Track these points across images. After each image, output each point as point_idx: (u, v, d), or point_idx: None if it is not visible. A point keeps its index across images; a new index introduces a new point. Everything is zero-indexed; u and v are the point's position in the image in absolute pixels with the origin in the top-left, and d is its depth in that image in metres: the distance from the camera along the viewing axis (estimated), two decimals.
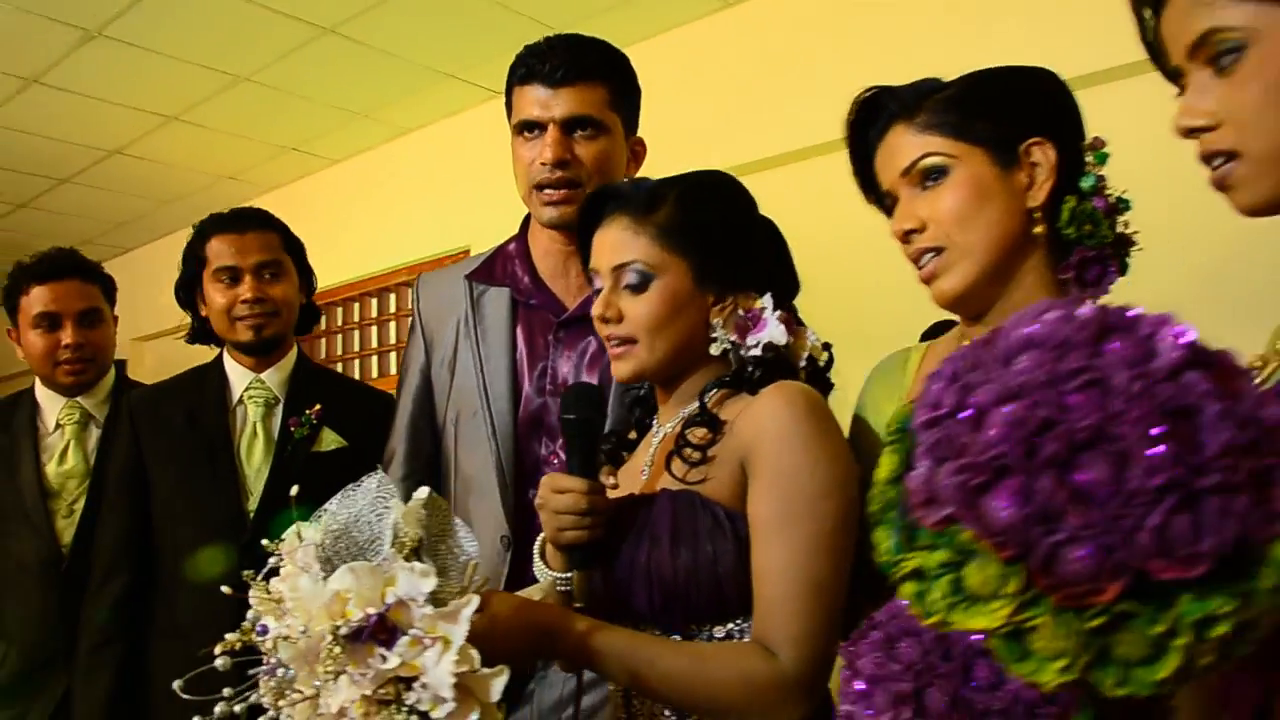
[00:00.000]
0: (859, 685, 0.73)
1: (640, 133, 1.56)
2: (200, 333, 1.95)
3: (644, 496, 1.11)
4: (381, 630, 0.81)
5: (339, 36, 3.29)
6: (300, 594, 0.84)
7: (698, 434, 1.09)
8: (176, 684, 0.87)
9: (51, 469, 2.05)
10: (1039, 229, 1.01)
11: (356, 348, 4.85)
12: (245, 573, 0.94)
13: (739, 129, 3.29)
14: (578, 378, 1.46)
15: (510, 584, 1.39)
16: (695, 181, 1.16)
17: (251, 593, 0.91)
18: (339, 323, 4.97)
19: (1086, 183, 1.00)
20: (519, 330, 1.49)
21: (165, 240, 5.53)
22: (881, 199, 1.11)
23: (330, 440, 1.81)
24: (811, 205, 2.21)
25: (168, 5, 3.00)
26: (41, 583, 1.98)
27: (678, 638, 1.05)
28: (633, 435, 1.27)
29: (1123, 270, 1.06)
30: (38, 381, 2.16)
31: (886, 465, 0.64)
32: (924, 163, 1.03)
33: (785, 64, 3.20)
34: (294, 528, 0.93)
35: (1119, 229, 1.04)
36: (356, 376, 4.69)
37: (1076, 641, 0.53)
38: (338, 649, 0.80)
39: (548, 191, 1.41)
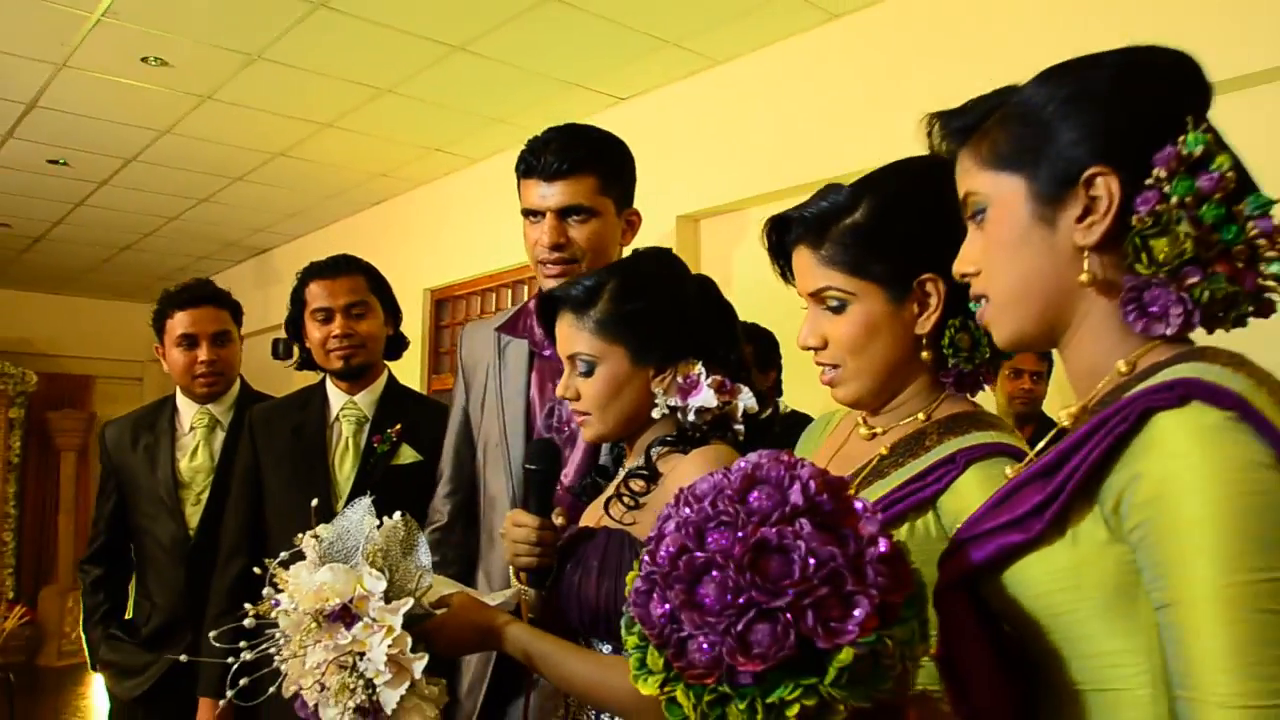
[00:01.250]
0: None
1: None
2: (306, 362, 2.24)
3: (588, 531, 1.32)
4: (346, 615, 1.10)
5: (468, 53, 3.52)
6: (300, 582, 1.14)
7: (637, 484, 1.28)
8: (212, 634, 1.21)
9: (184, 464, 2.43)
10: (925, 355, 1.11)
11: None
12: (267, 559, 1.25)
13: (844, 139, 3.33)
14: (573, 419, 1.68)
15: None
16: (628, 273, 1.33)
17: (272, 574, 1.22)
18: (478, 311, 5.29)
19: (975, 306, 1.01)
20: (533, 376, 1.74)
21: (328, 229, 6.01)
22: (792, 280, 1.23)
23: (408, 455, 2.09)
24: None
25: (318, 30, 3.32)
26: (174, 558, 2.39)
27: (607, 647, 1.25)
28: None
29: (993, 378, 1.15)
30: (178, 390, 2.56)
31: (636, 566, 0.81)
32: (827, 294, 1.13)
33: (888, 75, 3.21)
34: (313, 530, 1.24)
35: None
36: None
37: (701, 710, 0.71)
38: (314, 625, 1.10)
39: (549, 268, 1.62)
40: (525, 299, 4.86)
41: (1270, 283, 0.80)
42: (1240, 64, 2.36)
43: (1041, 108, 0.85)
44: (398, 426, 2.10)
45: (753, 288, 1.83)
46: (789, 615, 0.68)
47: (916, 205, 1.11)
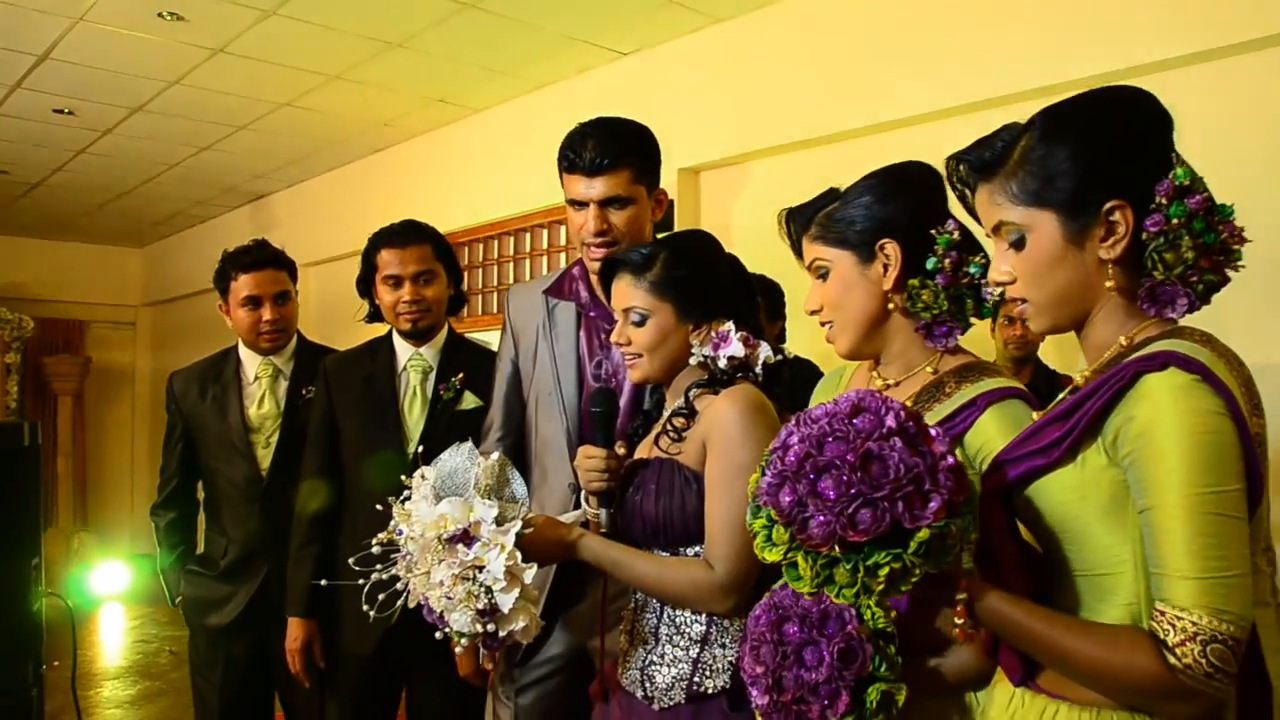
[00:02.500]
0: (745, 676, 1.17)
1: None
2: (374, 315, 2.47)
3: (645, 461, 1.62)
4: (465, 538, 1.36)
5: (478, 9, 3.63)
6: (419, 514, 1.40)
7: (678, 420, 1.58)
8: (351, 560, 1.46)
9: (252, 411, 2.65)
10: (892, 305, 1.38)
11: (495, 282, 5.31)
12: (390, 498, 1.49)
13: (840, 96, 3.48)
14: (621, 369, 1.94)
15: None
16: (677, 245, 1.63)
17: (394, 509, 1.47)
18: (479, 258, 5.44)
19: (930, 264, 1.32)
20: (582, 334, 1.98)
21: (326, 175, 6.10)
22: None
23: (470, 400, 2.32)
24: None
25: None
26: (247, 496, 2.61)
27: (665, 553, 1.56)
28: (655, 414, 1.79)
29: (965, 328, 1.38)
30: (239, 342, 2.75)
31: (755, 474, 1.07)
32: (815, 264, 1.43)
33: (884, 33, 3.36)
34: (419, 471, 1.49)
35: (981, 289, 1.35)
36: (494, 309, 5.17)
37: (814, 571, 0.98)
38: (440, 546, 1.35)
39: (593, 250, 1.86)
40: (527, 247, 5.06)
41: (1235, 265, 1.11)
42: (1180, 44, 2.54)
43: (1059, 155, 1.10)
44: (460, 375, 2.33)
45: (751, 239, 2.04)
46: (885, 504, 0.95)
47: (885, 182, 1.40)
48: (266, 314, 2.63)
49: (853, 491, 0.95)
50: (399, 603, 1.42)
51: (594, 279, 1.97)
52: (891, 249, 1.35)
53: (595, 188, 1.81)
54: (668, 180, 4.31)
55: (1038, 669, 1.12)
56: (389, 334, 2.45)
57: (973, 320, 1.38)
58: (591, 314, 1.96)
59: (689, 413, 1.57)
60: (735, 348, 1.54)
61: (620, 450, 1.66)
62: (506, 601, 1.34)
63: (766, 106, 3.70)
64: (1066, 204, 1.09)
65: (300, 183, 6.36)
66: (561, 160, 1.87)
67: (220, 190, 6.57)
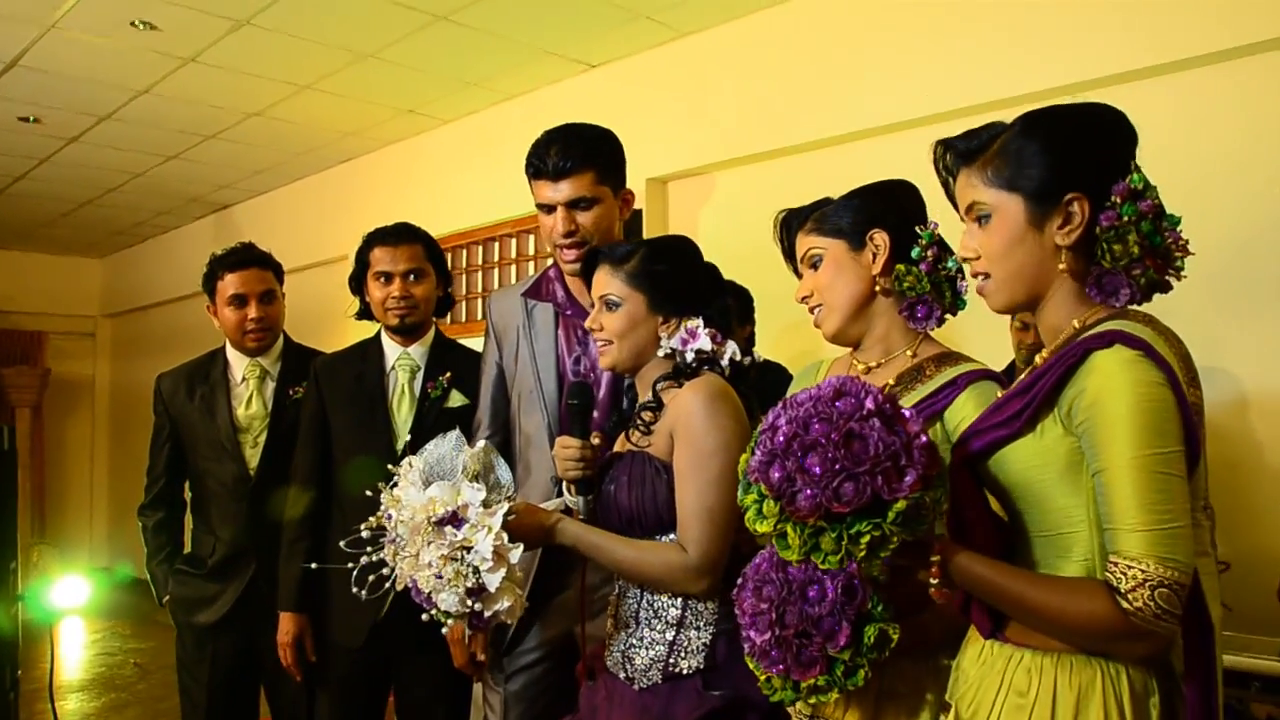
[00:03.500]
0: (745, 618, 1.25)
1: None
2: (364, 312, 2.54)
3: (619, 454, 1.71)
4: (454, 520, 1.44)
5: (450, 22, 3.71)
6: (410, 498, 1.47)
7: (647, 415, 1.67)
8: (342, 543, 1.53)
9: (240, 411, 2.70)
10: (879, 288, 1.51)
11: (463, 291, 5.35)
12: (379, 484, 1.57)
13: (804, 109, 3.59)
14: (597, 368, 2.03)
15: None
16: (658, 244, 1.74)
17: (382, 495, 1.55)
18: (448, 268, 5.49)
19: (914, 253, 1.47)
20: (560, 332, 2.07)
21: (293, 186, 6.11)
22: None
23: (457, 398, 2.40)
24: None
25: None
26: (235, 496, 2.66)
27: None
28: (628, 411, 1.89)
29: (950, 311, 1.52)
30: (227, 344, 2.80)
31: (747, 452, 1.18)
32: (809, 253, 1.56)
33: (847, 49, 3.48)
34: (407, 459, 1.57)
35: (956, 280, 1.50)
36: (462, 318, 5.22)
37: (802, 540, 1.08)
38: (429, 528, 1.42)
39: (565, 251, 1.97)
40: (496, 257, 5.11)
41: (1176, 272, 1.25)
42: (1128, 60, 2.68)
43: (1032, 149, 1.23)
44: (448, 374, 2.40)
45: (718, 247, 2.13)
46: (866, 478, 1.06)
47: (878, 185, 1.57)
48: (252, 312, 2.68)
49: (837, 467, 1.05)
50: (387, 585, 1.50)
51: (570, 280, 2.06)
52: (880, 237, 1.50)
53: (561, 191, 1.91)
54: (636, 190, 4.44)
55: (1005, 622, 1.23)
56: (378, 335, 2.53)
57: (947, 316, 1.50)
58: (568, 313, 2.06)
59: (656, 405, 1.66)
60: (703, 342, 1.64)
61: (596, 441, 1.75)
62: (493, 580, 1.41)
63: (732, 118, 3.81)
64: (1033, 191, 1.21)
65: (266, 193, 6.36)
66: (528, 168, 1.97)
67: (185, 200, 6.56)
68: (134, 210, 6.80)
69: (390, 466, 1.58)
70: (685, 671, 1.57)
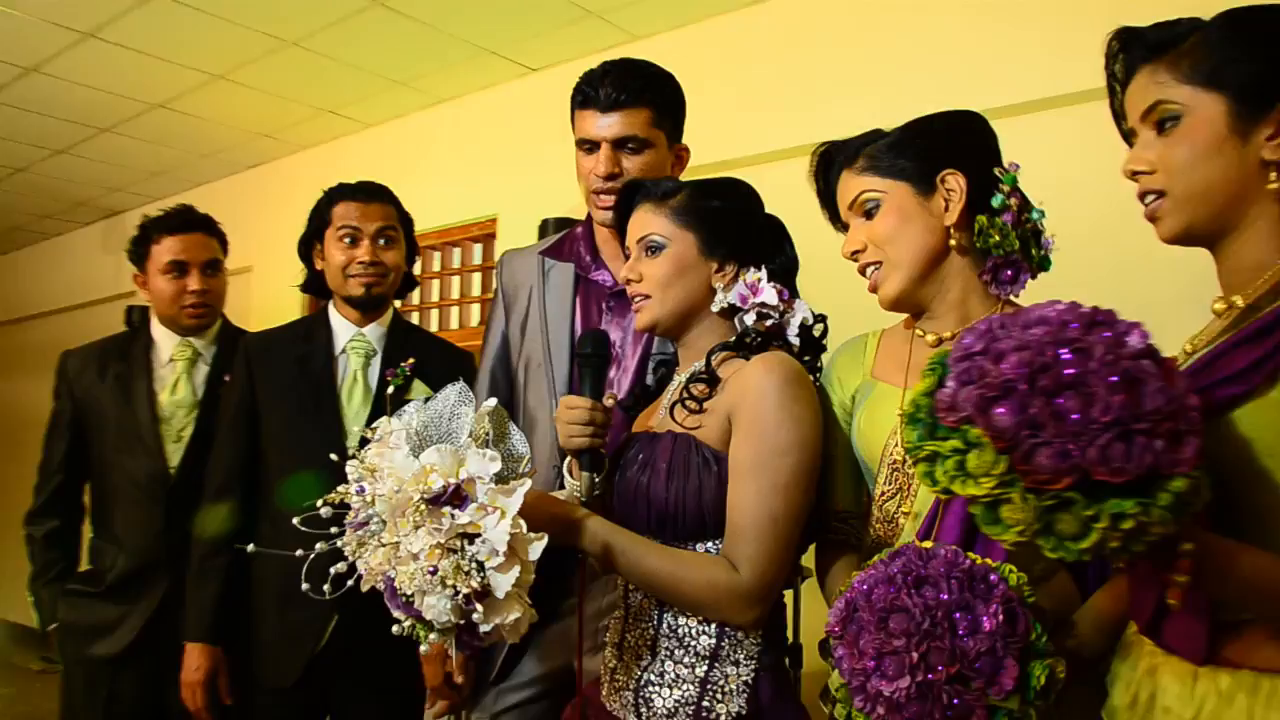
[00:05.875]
0: (861, 661, 0.95)
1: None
2: (312, 285, 2.15)
3: (653, 435, 1.38)
4: (456, 497, 1.07)
5: (387, 9, 3.45)
6: (395, 465, 1.10)
7: (698, 388, 1.34)
8: (296, 520, 1.15)
9: (164, 398, 2.29)
10: (954, 242, 1.26)
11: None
12: (349, 445, 1.24)
13: (755, 120, 3.46)
14: (620, 343, 1.73)
15: None
16: (710, 179, 1.44)
17: (350, 464, 1.18)
18: None
19: (996, 201, 1.24)
20: (578, 299, 1.77)
21: (195, 191, 5.68)
22: (844, 228, 1.38)
23: (420, 390, 2.02)
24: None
25: None
26: (149, 496, 2.24)
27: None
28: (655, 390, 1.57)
29: (1036, 272, 1.29)
30: (154, 319, 2.38)
31: (923, 384, 0.90)
32: (862, 198, 1.29)
33: (802, 60, 3.37)
34: (382, 419, 1.21)
35: (1040, 235, 1.28)
36: None
37: (1032, 515, 0.80)
38: (422, 507, 1.05)
39: (602, 197, 1.68)
40: (418, 270, 4.80)
41: None
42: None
43: (1244, 40, 1.01)
44: (410, 361, 2.05)
45: None
46: (1143, 439, 0.79)
47: (939, 116, 1.32)
48: (193, 283, 2.30)
49: (1107, 419, 0.78)
50: (350, 584, 1.15)
51: (601, 241, 1.77)
52: (954, 180, 1.25)
53: (609, 125, 1.64)
54: (576, 200, 4.21)
55: (1224, 640, 0.97)
56: (324, 311, 2.16)
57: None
58: (592, 275, 1.76)
59: (710, 379, 1.34)
60: (768, 294, 1.34)
61: (609, 403, 1.43)
62: (503, 583, 1.05)
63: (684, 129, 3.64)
64: (1242, 88, 0.99)
65: (163, 198, 5.89)
66: (576, 96, 1.70)
67: (70, 203, 6.03)
68: (10, 212, 6.22)
69: (367, 431, 1.21)
70: (722, 717, 1.26)
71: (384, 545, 1.09)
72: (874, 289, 1.31)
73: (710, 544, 1.30)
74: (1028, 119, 2.81)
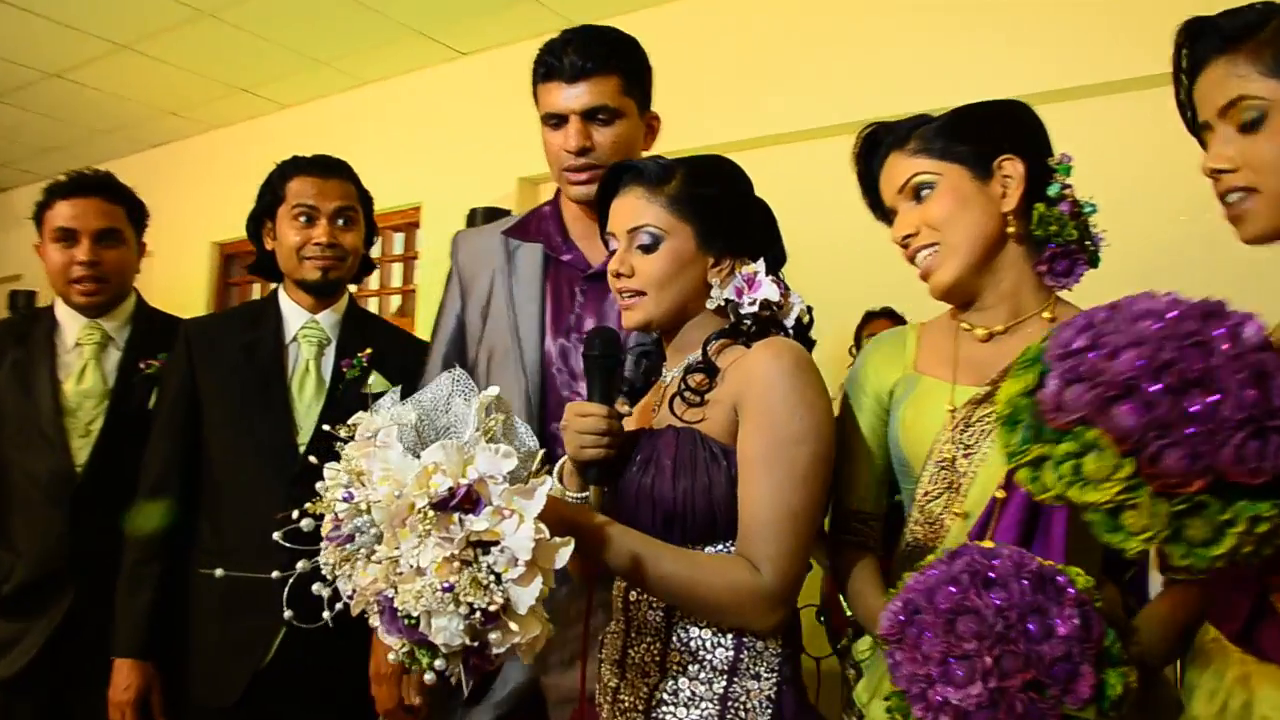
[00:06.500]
0: (925, 667, 0.88)
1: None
2: (261, 266, 1.98)
3: (652, 431, 1.26)
4: (466, 501, 0.92)
5: None
6: (392, 466, 0.94)
7: (696, 379, 1.24)
8: (277, 535, 0.99)
9: (70, 387, 2.03)
10: (1012, 229, 1.20)
11: None
12: (300, 442, 1.01)
13: (683, 112, 3.41)
14: (613, 311, 1.62)
15: None
16: (702, 161, 1.32)
17: (327, 468, 1.00)
18: None
19: (1053, 190, 1.19)
20: (548, 282, 1.65)
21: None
22: (886, 214, 1.31)
23: (379, 383, 1.85)
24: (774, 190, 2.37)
25: None
26: (51, 498, 1.97)
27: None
28: (638, 383, 1.44)
29: (1093, 263, 1.24)
30: (58, 299, 2.12)
31: (1019, 383, 0.84)
32: (915, 180, 1.22)
33: (726, 53, 3.35)
34: (361, 414, 1.03)
35: (1091, 229, 1.23)
36: None
37: (1161, 520, 0.75)
38: (430, 513, 0.90)
39: (574, 174, 1.57)
40: None
41: None
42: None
43: None
44: (368, 351, 1.88)
45: None
46: (1277, 438, 0.74)
47: (991, 103, 1.25)
48: (81, 254, 2.02)
49: (1240, 416, 0.73)
50: (339, 607, 0.99)
51: (570, 219, 1.66)
52: (1012, 166, 1.19)
53: (577, 96, 1.53)
54: (507, 189, 4.11)
55: None
56: (274, 295, 1.97)
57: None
58: (564, 257, 1.64)
59: (709, 369, 1.24)
60: (767, 290, 1.25)
61: (624, 409, 1.31)
62: (526, 597, 0.91)
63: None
64: None
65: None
66: (538, 68, 1.57)
67: None
68: None
69: (331, 429, 1.03)
70: None
71: (377, 561, 0.93)
72: (926, 275, 1.24)
73: (720, 546, 1.20)
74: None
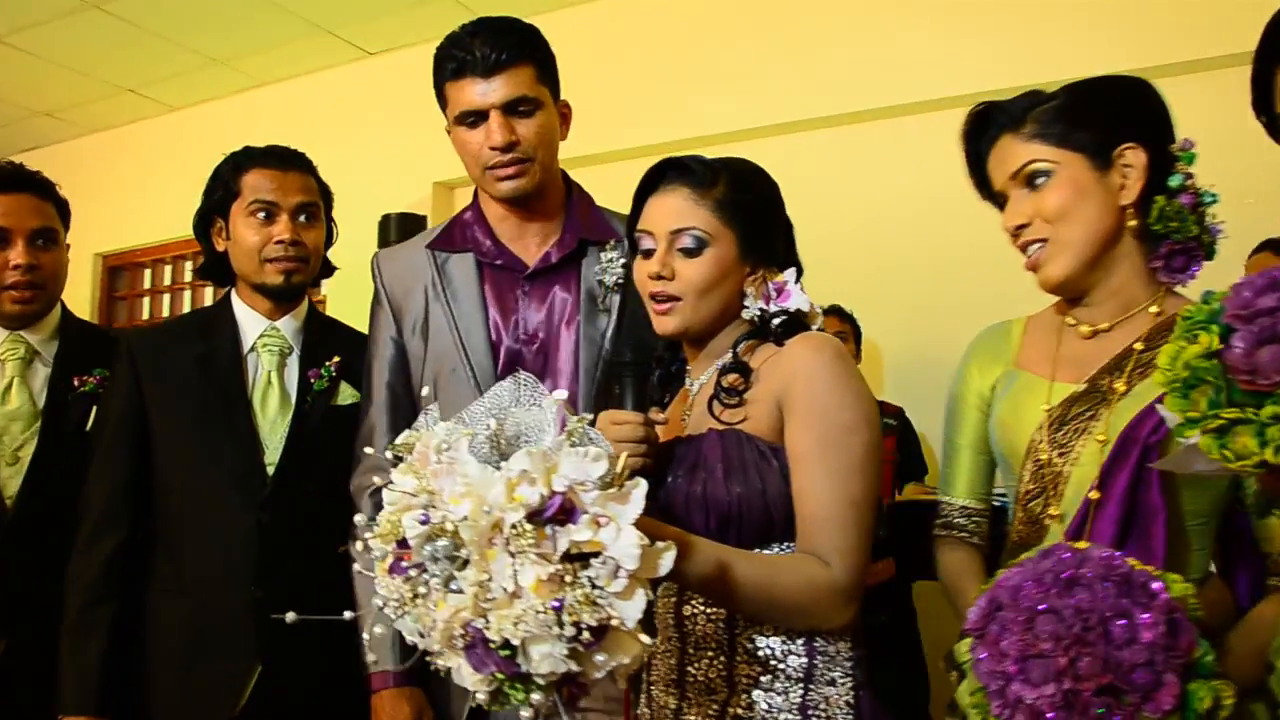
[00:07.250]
0: (1003, 663, 0.85)
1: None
2: (212, 269, 1.80)
3: (691, 437, 1.22)
4: (560, 511, 0.84)
5: None
6: (472, 480, 0.85)
7: (730, 379, 1.21)
8: (290, 616, 0.88)
9: None
10: (1131, 223, 1.16)
11: (166, 312, 4.57)
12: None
13: (610, 115, 3.36)
14: (547, 328, 1.57)
15: None
16: (742, 165, 1.29)
17: (388, 485, 0.90)
18: (164, 281, 4.66)
19: (1174, 181, 1.14)
20: (487, 289, 1.58)
21: None
22: (994, 197, 1.26)
23: (348, 394, 1.72)
24: None
25: None
26: None
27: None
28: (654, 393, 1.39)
29: (1209, 256, 1.21)
30: None
31: (1195, 347, 0.80)
32: (1030, 167, 1.17)
33: (664, 53, 3.32)
34: (409, 430, 0.94)
35: (1207, 220, 1.20)
36: None
37: None
38: (523, 529, 0.82)
39: (500, 170, 1.50)
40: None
41: None
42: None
43: None
44: (336, 359, 1.72)
45: None
46: None
47: (1111, 83, 1.22)
48: (15, 256, 1.80)
49: None
50: (426, 658, 0.88)
51: (494, 219, 1.58)
52: (1134, 156, 1.14)
53: (495, 90, 1.45)
54: (422, 193, 3.96)
55: None
56: (226, 301, 1.80)
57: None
58: (498, 263, 1.57)
59: (743, 369, 1.21)
60: (798, 300, 1.22)
61: (658, 416, 1.25)
62: (632, 611, 0.83)
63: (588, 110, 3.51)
64: None
65: None
66: (445, 65, 1.48)
67: None
68: None
69: (391, 444, 0.94)
70: None
71: (456, 589, 0.83)
72: (1034, 268, 1.19)
73: (777, 547, 1.16)
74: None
